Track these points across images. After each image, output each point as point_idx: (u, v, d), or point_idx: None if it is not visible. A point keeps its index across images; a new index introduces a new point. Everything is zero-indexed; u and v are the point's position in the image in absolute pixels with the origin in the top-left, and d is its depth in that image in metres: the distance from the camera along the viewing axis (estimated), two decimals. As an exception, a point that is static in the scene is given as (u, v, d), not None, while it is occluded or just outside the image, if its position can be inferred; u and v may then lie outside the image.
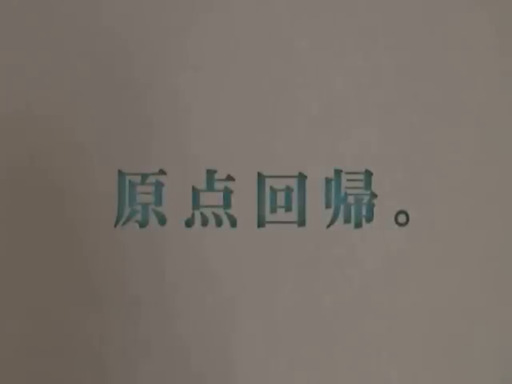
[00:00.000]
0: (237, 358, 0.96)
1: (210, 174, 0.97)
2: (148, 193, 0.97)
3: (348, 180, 0.97)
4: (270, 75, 0.98)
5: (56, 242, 0.96)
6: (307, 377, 0.97)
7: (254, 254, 0.97)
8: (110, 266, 0.96)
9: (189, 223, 0.96)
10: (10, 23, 0.96)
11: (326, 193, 0.97)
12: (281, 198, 0.97)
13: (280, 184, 0.97)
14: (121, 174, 0.96)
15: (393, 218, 0.97)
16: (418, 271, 0.98)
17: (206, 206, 0.97)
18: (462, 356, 0.98)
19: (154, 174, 0.96)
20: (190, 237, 0.96)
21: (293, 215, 0.97)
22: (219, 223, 0.97)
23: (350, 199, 0.97)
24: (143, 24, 0.97)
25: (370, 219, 0.97)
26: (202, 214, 0.97)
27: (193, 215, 0.96)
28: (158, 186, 0.96)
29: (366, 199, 0.98)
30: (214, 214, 0.97)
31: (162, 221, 0.96)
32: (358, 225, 0.97)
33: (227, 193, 0.97)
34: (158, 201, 0.97)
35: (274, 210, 0.97)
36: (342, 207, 0.97)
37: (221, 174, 0.97)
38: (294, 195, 0.97)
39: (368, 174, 0.97)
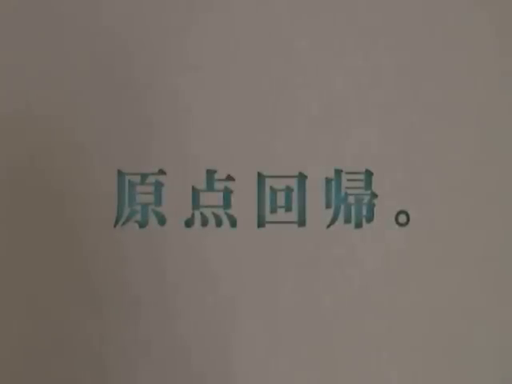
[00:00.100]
0: (237, 358, 0.96)
1: (210, 173, 0.96)
2: (148, 193, 0.96)
3: (348, 180, 0.97)
4: (270, 75, 0.98)
5: (55, 242, 0.95)
6: (307, 377, 0.97)
7: (254, 254, 0.97)
8: (109, 266, 0.96)
9: (189, 223, 0.96)
10: (10, 23, 0.96)
11: (327, 193, 0.97)
12: (281, 198, 0.97)
13: (280, 184, 0.97)
14: (120, 173, 0.96)
15: (393, 218, 0.97)
16: (417, 271, 0.98)
17: (206, 206, 0.97)
18: (462, 356, 0.98)
19: (153, 173, 0.96)
20: (190, 237, 0.96)
21: (293, 215, 0.97)
22: (219, 223, 0.97)
23: (351, 199, 0.97)
24: (143, 24, 0.97)
25: (370, 219, 0.97)
26: (201, 214, 0.96)
27: (193, 215, 0.96)
28: (158, 185, 0.96)
29: (366, 199, 0.97)
30: (213, 214, 0.97)
31: (162, 221, 0.96)
32: (359, 225, 0.97)
33: (227, 193, 0.97)
34: (158, 201, 0.96)
35: (274, 210, 0.97)
36: (342, 207, 0.97)
37: (221, 174, 0.97)
38: (294, 195, 0.97)
39: (368, 174, 0.97)
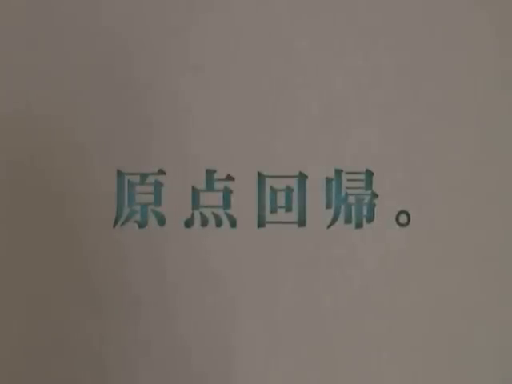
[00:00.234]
0: (237, 358, 0.96)
1: (210, 173, 0.96)
2: (147, 193, 0.96)
3: (348, 180, 0.97)
4: (270, 75, 0.98)
5: (55, 241, 0.95)
6: (307, 377, 0.97)
7: (254, 254, 0.97)
8: (109, 266, 0.95)
9: (188, 223, 0.96)
10: (10, 23, 0.96)
11: (327, 193, 0.97)
12: (281, 198, 0.97)
13: (280, 184, 0.97)
14: (120, 173, 0.96)
15: (393, 218, 0.97)
16: (418, 271, 0.98)
17: (206, 206, 0.97)
18: (462, 356, 0.98)
19: (153, 173, 0.96)
20: (190, 237, 0.96)
21: (293, 215, 0.97)
22: (219, 223, 0.97)
23: (351, 199, 0.97)
24: (143, 24, 0.97)
25: (370, 219, 0.97)
26: (201, 214, 0.96)
27: (192, 215, 0.96)
28: (158, 185, 0.96)
29: (366, 199, 0.97)
30: (213, 214, 0.97)
31: (162, 221, 0.96)
32: (359, 225, 0.97)
33: (227, 193, 0.97)
34: (158, 201, 0.96)
35: (274, 210, 0.97)
36: (342, 207, 0.97)
37: (220, 174, 0.96)
38: (295, 195, 0.97)
39: (369, 174, 0.97)
